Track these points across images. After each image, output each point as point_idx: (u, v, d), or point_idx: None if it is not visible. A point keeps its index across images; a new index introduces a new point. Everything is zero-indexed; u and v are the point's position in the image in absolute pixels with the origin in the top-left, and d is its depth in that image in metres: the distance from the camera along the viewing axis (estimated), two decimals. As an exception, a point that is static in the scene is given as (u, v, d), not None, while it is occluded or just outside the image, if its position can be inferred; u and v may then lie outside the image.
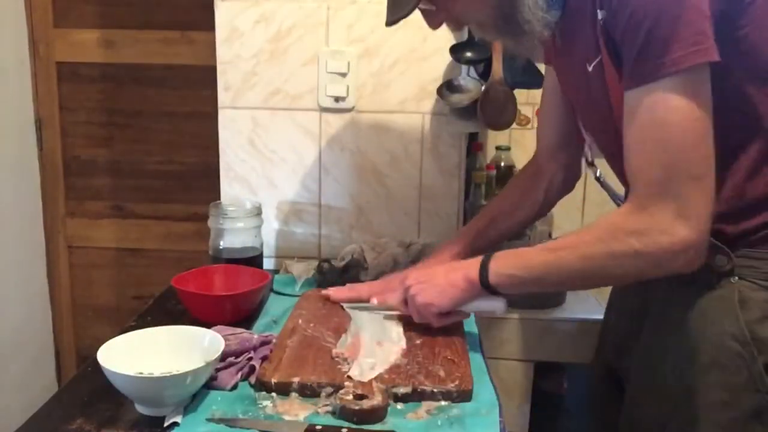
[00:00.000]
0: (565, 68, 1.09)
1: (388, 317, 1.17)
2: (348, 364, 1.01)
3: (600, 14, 0.90)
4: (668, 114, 0.85)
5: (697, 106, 0.85)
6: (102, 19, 2.05)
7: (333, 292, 1.29)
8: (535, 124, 2.05)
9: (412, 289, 1.10)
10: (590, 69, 0.97)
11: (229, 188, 1.60)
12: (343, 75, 1.53)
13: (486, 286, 1.04)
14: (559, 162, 1.27)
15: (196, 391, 0.93)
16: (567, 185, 1.30)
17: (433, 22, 1.03)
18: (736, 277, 0.95)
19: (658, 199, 0.88)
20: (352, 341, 1.07)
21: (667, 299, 1.02)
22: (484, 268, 1.04)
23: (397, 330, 1.13)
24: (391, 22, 0.99)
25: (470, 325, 1.20)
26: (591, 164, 1.18)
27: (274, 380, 0.96)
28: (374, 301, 1.23)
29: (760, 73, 0.91)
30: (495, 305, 1.08)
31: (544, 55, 1.19)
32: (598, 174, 1.17)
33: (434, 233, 1.56)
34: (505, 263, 1.03)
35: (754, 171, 0.94)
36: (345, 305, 1.24)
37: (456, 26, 1.08)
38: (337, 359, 1.02)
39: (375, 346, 1.06)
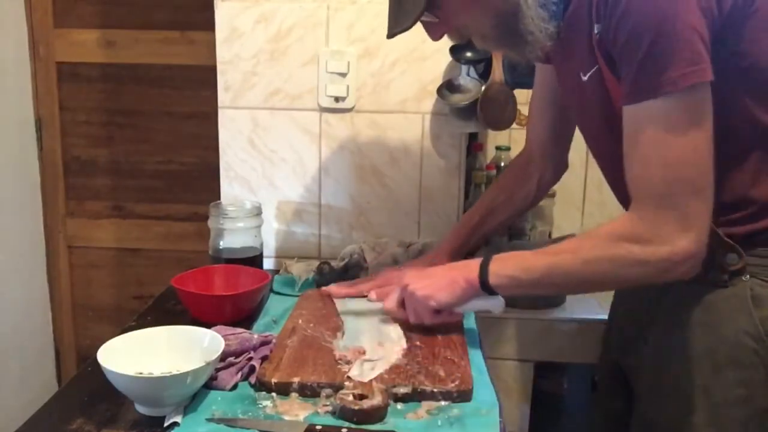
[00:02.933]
0: (563, 75, 1.11)
1: (385, 319, 1.17)
2: (349, 364, 1.01)
3: (596, 28, 0.92)
4: (668, 131, 0.87)
5: (696, 123, 0.87)
6: (102, 19, 2.06)
7: (334, 289, 1.30)
8: (535, 124, 2.05)
9: (411, 286, 1.09)
10: (585, 78, 0.98)
11: (229, 188, 1.60)
12: (343, 75, 1.53)
13: (485, 288, 1.04)
14: (550, 155, 1.30)
15: (196, 391, 0.93)
16: (556, 177, 1.33)
17: (435, 35, 1.03)
18: (748, 276, 0.97)
19: (660, 211, 0.90)
20: (354, 348, 1.07)
21: (678, 298, 1.02)
22: (484, 270, 1.04)
23: (396, 331, 1.13)
24: (392, 34, 1.00)
25: (470, 325, 1.20)
26: None
27: (274, 380, 0.96)
28: (372, 295, 1.24)
29: (758, 86, 0.93)
30: (493, 304, 1.08)
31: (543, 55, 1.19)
32: None
33: (434, 233, 1.56)
34: (506, 265, 1.03)
35: (758, 176, 0.95)
36: (339, 308, 1.24)
37: (458, 38, 1.08)
38: (339, 361, 1.02)
39: (376, 348, 1.06)
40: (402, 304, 1.12)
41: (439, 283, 1.08)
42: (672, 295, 1.03)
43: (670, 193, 0.89)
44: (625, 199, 1.10)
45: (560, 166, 1.32)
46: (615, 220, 0.96)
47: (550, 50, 1.05)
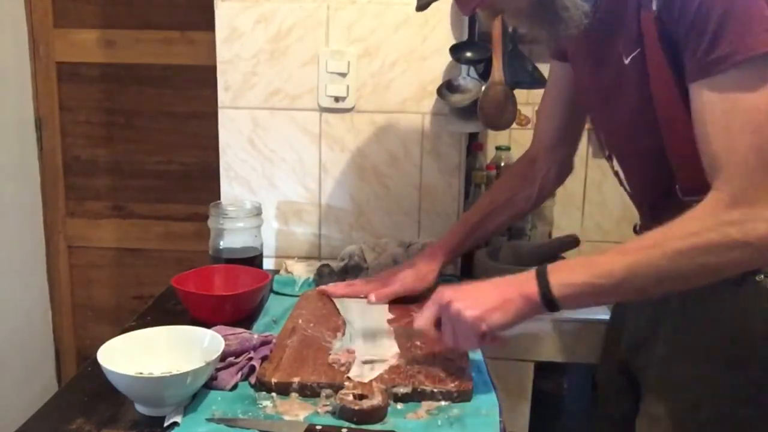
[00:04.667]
0: (589, 62, 1.08)
1: (379, 323, 1.16)
2: (345, 367, 1.00)
3: (654, 5, 0.89)
4: (755, 98, 0.83)
5: None
6: (102, 19, 2.05)
7: (331, 288, 1.30)
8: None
9: (455, 305, 0.95)
10: (627, 61, 0.96)
11: (229, 188, 1.60)
12: (343, 75, 1.53)
13: (547, 302, 0.92)
14: (556, 157, 1.28)
15: (196, 391, 0.93)
16: (560, 180, 1.32)
17: (466, 8, 0.99)
18: (762, 275, 0.94)
19: (754, 187, 0.84)
20: (346, 350, 1.06)
21: (688, 296, 1.00)
22: (543, 281, 0.92)
23: (389, 337, 1.12)
24: (422, 5, 0.97)
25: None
26: (609, 158, 1.17)
27: (274, 380, 0.96)
28: (372, 297, 1.24)
29: None
30: (540, 327, 1.01)
31: (555, 51, 1.18)
32: (616, 168, 1.17)
33: (434, 233, 1.56)
34: (572, 273, 0.92)
35: None
36: (339, 308, 1.24)
37: (491, 13, 1.04)
38: (334, 365, 1.01)
39: (369, 350, 1.06)
40: (437, 322, 1.00)
41: (489, 301, 0.94)
42: (682, 293, 1.00)
43: (761, 164, 0.83)
44: (642, 191, 1.08)
45: (565, 168, 1.30)
46: (699, 205, 0.88)
47: (575, 38, 1.02)
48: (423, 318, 1.00)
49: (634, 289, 0.91)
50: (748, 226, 0.84)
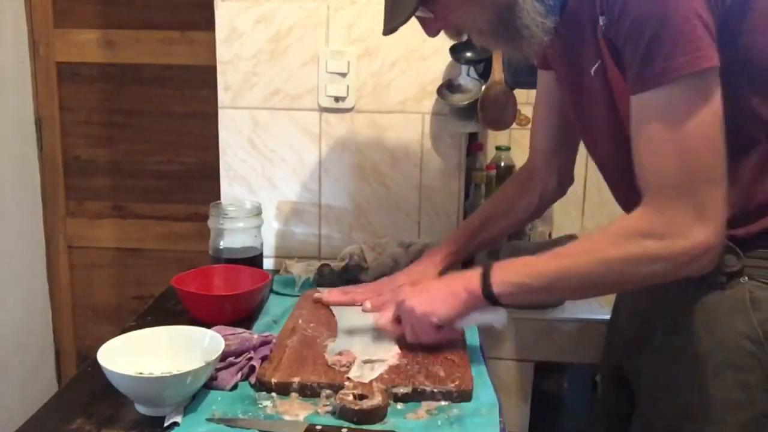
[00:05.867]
0: (564, 74, 1.09)
1: (377, 329, 1.16)
2: (346, 368, 1.00)
3: (601, 20, 0.91)
4: (677, 119, 0.85)
5: (708, 109, 0.85)
6: (102, 19, 2.06)
7: (326, 296, 1.28)
8: (535, 124, 2.05)
9: (408, 302, 1.05)
10: (592, 74, 0.97)
11: (229, 188, 1.60)
12: (343, 75, 1.53)
13: (488, 297, 1.00)
14: (554, 166, 1.27)
15: (196, 391, 0.93)
16: (561, 190, 1.31)
17: (431, 30, 1.02)
18: (746, 278, 0.95)
19: (675, 203, 0.87)
20: (344, 353, 1.05)
21: (676, 300, 1.01)
22: (486, 278, 1.00)
23: (389, 337, 1.11)
24: (388, 30, 0.98)
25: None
26: None
27: (274, 380, 0.96)
28: (367, 305, 1.22)
29: (759, 79, 0.91)
30: (495, 318, 1.04)
31: (540, 60, 1.18)
32: None
33: (434, 233, 1.56)
34: (510, 272, 1.00)
35: (759, 174, 0.94)
36: (334, 310, 1.23)
37: (454, 34, 1.07)
38: (333, 366, 1.01)
39: (368, 350, 1.05)
40: (398, 320, 1.08)
41: (437, 296, 1.04)
42: (671, 298, 1.02)
43: (683, 183, 0.86)
44: (626, 201, 1.08)
45: (565, 178, 1.29)
46: (627, 216, 0.93)
47: (550, 50, 1.04)
48: (383, 317, 1.11)
49: (562, 290, 1.03)
50: (667, 240, 0.87)
